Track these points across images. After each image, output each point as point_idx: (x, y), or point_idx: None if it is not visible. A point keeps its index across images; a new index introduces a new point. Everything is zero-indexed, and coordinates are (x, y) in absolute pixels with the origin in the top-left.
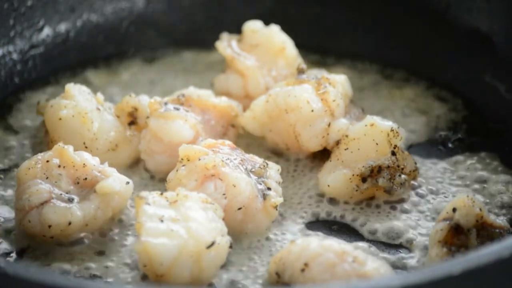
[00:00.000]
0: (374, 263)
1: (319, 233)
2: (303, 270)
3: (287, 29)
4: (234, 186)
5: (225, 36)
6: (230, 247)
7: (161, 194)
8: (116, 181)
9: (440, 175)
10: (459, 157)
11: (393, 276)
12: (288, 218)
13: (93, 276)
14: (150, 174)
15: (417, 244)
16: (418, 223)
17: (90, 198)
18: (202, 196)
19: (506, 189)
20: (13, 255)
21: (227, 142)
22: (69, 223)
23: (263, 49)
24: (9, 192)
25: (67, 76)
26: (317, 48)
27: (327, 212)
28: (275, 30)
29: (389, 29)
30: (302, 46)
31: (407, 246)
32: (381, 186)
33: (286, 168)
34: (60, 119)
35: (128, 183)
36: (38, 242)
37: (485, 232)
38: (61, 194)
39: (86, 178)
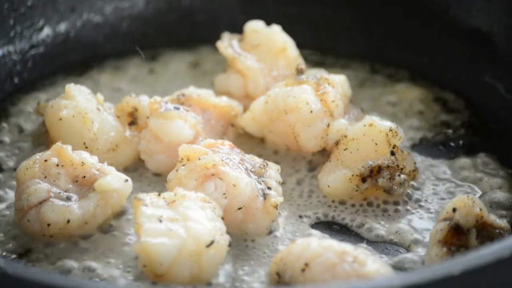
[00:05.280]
0: (374, 263)
1: (320, 233)
2: (303, 270)
3: (287, 29)
4: (235, 186)
5: (226, 35)
6: (229, 245)
7: (159, 195)
8: (114, 179)
9: (440, 175)
10: (459, 157)
11: (393, 276)
12: (288, 218)
13: (93, 276)
14: (150, 174)
15: (417, 244)
16: (418, 223)
17: (89, 196)
18: (200, 196)
19: (506, 189)
20: (13, 255)
21: (227, 142)
22: (68, 221)
23: (264, 49)
24: (9, 193)
25: (67, 76)
26: (317, 48)
27: (327, 212)
28: (276, 30)
29: (389, 29)
30: (302, 46)
31: (407, 246)
32: (381, 186)
33: (286, 169)
34: (60, 119)
35: (126, 180)
36: (38, 242)
37: (485, 232)
38: (59, 192)
39: (84, 176)
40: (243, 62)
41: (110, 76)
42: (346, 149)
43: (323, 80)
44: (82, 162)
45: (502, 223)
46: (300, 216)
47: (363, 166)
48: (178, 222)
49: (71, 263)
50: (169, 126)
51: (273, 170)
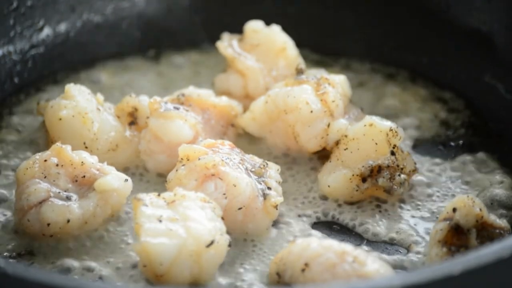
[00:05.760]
0: (374, 263)
1: (320, 233)
2: (303, 270)
3: (287, 29)
4: (235, 186)
5: (226, 36)
6: (229, 245)
7: (159, 195)
8: (114, 178)
9: (440, 175)
10: (459, 157)
11: (393, 276)
12: (288, 218)
13: (93, 276)
14: (150, 174)
15: (417, 244)
16: (418, 223)
17: (88, 196)
18: (200, 195)
19: (506, 189)
20: (13, 255)
21: (227, 142)
22: (68, 221)
23: (264, 49)
24: (9, 193)
25: (67, 76)
26: (317, 48)
27: (327, 212)
28: (276, 30)
29: (389, 29)
30: (302, 46)
31: (407, 246)
32: (381, 186)
33: (286, 169)
34: (60, 119)
35: (126, 180)
36: (38, 242)
37: (485, 232)
38: (59, 192)
39: (84, 176)
40: (243, 62)
41: (110, 76)
42: (346, 149)
43: (323, 80)
44: (82, 162)
45: (502, 223)
46: (300, 216)
47: (363, 166)
48: (178, 222)
49: (71, 263)
50: (169, 126)
51: (273, 170)
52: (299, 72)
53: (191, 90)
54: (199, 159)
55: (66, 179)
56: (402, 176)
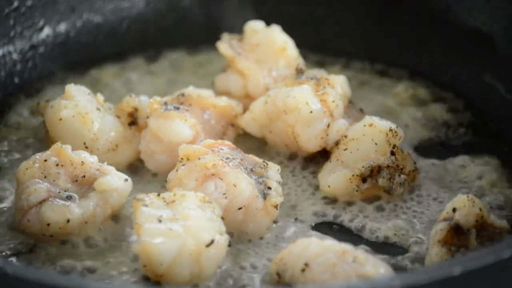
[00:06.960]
0: (375, 263)
1: (320, 233)
2: (303, 270)
3: (288, 29)
4: (235, 186)
5: (226, 36)
6: (229, 245)
7: (158, 195)
8: (114, 178)
9: (439, 175)
10: (459, 157)
11: (393, 276)
12: (288, 218)
13: (93, 276)
14: (150, 174)
15: (416, 244)
16: (418, 223)
17: (88, 196)
18: (199, 195)
19: (506, 189)
20: (14, 254)
21: (227, 142)
22: (68, 221)
23: (264, 49)
24: (9, 193)
25: (67, 76)
26: (317, 48)
27: (327, 212)
28: (276, 30)
29: (389, 29)
30: (302, 46)
31: (407, 246)
32: (381, 186)
33: (286, 169)
34: (61, 119)
35: (126, 180)
36: (38, 242)
37: (485, 232)
38: (59, 192)
39: (84, 176)
40: (243, 62)
41: (110, 76)
42: (346, 149)
43: (323, 80)
44: (82, 162)
45: (502, 223)
46: (300, 216)
47: (363, 166)
48: (177, 222)
49: (71, 263)
50: (169, 126)
51: (273, 170)
52: (299, 72)
53: (191, 90)
54: (199, 159)
55: (66, 179)
56: (402, 176)
